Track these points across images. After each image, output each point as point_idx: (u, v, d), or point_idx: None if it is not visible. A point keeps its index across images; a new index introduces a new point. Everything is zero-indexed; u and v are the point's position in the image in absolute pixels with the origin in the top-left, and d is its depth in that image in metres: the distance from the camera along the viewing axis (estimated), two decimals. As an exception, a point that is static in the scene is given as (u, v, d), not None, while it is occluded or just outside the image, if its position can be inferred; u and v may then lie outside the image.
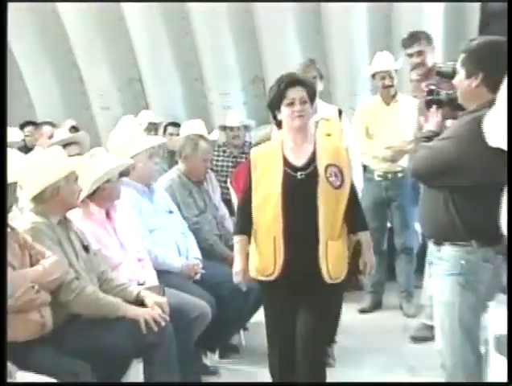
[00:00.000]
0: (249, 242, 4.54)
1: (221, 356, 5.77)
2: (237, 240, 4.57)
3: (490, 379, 4.12)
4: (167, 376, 4.49)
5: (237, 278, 4.53)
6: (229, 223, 6.35)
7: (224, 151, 8.46)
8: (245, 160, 6.90)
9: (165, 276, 5.30)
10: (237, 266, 4.52)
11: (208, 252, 5.94)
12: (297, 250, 4.32)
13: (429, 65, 6.39)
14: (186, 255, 5.73)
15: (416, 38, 6.57)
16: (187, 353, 4.86)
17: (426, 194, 4.26)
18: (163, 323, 4.45)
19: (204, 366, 5.59)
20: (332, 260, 4.34)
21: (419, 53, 6.48)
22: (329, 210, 4.36)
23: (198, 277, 5.57)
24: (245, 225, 4.52)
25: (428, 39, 6.58)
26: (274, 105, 4.46)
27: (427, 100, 4.38)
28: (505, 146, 3.25)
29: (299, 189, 4.38)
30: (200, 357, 5.54)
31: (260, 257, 4.43)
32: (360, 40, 9.13)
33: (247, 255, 4.53)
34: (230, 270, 4.66)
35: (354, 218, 4.53)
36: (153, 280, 5.08)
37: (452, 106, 4.31)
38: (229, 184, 7.81)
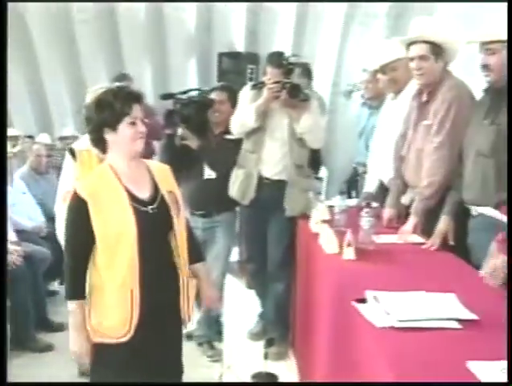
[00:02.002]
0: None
1: (60, 283, 5.78)
2: (72, 308, 2.57)
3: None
4: (23, 293, 4.61)
5: (77, 360, 2.86)
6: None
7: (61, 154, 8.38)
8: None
9: (21, 233, 5.26)
10: (76, 346, 2.58)
11: (51, 218, 5.89)
12: (156, 299, 2.58)
13: None
14: (35, 219, 5.70)
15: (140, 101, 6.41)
16: (37, 282, 4.93)
17: (204, 185, 4.41)
18: (18, 263, 4.56)
19: (48, 290, 5.63)
20: (191, 299, 2.72)
21: None
22: (182, 243, 2.67)
23: (43, 234, 5.59)
24: (79, 286, 2.56)
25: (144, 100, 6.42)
26: (107, 124, 2.56)
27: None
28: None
29: (154, 226, 2.58)
30: (46, 284, 5.55)
31: (110, 317, 2.55)
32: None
33: (85, 329, 2.57)
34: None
35: (190, 247, 2.74)
36: (13, 236, 5.07)
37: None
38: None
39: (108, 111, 2.57)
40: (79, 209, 2.52)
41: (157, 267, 2.58)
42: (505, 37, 2.88)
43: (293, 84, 4.01)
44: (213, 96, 4.46)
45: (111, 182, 2.58)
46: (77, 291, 2.57)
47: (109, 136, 2.60)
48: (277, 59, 4.11)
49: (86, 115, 2.67)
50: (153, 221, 2.57)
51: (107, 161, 2.66)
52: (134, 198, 2.57)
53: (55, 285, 5.83)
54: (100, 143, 2.65)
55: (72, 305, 2.57)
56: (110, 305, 2.54)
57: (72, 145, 3.73)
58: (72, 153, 3.55)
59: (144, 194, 2.61)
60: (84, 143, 3.30)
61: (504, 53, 2.91)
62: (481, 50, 3.06)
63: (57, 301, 5.43)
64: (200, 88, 4.80)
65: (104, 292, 2.54)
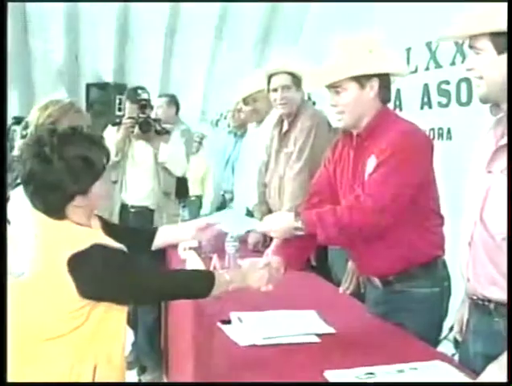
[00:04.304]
0: None
1: None
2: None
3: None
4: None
5: None
6: None
7: None
8: None
9: None
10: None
11: None
12: None
13: None
14: None
15: None
16: None
17: None
18: None
19: None
20: None
21: None
22: None
23: None
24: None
25: None
26: (81, 190, 1.97)
27: None
28: None
29: None
30: None
31: None
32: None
33: None
34: None
35: None
36: None
37: None
38: None
39: (86, 173, 1.98)
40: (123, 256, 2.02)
41: None
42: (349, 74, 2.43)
43: (144, 120, 4.22)
44: None
45: None
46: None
47: (77, 202, 2.00)
48: (132, 94, 4.35)
49: (47, 179, 1.93)
50: None
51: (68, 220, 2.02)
52: None
53: None
54: (60, 211, 2.01)
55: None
56: None
57: None
58: None
59: None
60: None
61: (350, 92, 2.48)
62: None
63: None
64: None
65: None
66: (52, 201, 1.97)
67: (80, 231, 2.03)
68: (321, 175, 2.79)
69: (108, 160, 2.06)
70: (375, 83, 2.45)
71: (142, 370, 4.25)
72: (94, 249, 1.93)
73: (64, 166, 1.92)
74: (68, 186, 1.94)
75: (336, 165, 2.66)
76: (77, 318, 1.96)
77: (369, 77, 2.44)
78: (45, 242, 2.00)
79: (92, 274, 1.93)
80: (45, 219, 2.02)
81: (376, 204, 2.31)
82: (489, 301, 1.99)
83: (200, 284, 2.19)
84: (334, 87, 2.46)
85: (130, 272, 2.03)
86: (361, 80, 2.43)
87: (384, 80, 2.48)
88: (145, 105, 4.25)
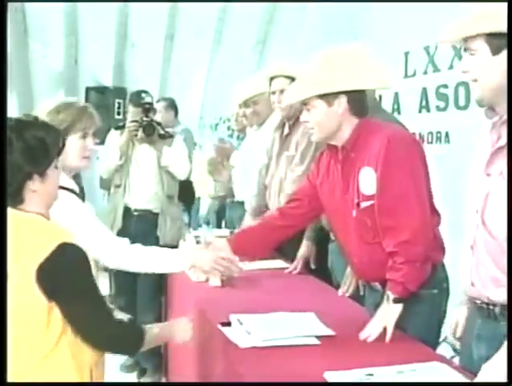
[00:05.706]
0: None
1: None
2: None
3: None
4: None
5: None
6: None
7: None
8: None
9: None
10: None
11: None
12: None
13: None
14: None
15: None
16: None
17: None
18: None
19: None
20: None
21: None
22: None
23: None
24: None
25: None
26: (38, 170, 1.95)
27: None
28: None
29: None
30: None
31: None
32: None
33: None
34: None
35: None
36: None
37: None
38: None
39: (42, 154, 1.98)
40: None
41: None
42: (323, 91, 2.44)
43: (148, 123, 4.24)
44: None
45: None
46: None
47: (34, 185, 1.97)
48: (136, 98, 4.38)
49: (7, 160, 1.92)
50: None
51: (28, 211, 1.97)
52: None
53: None
54: (17, 193, 1.96)
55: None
56: None
57: None
58: None
59: None
60: None
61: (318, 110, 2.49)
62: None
63: None
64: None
65: None
66: (10, 181, 1.92)
67: (42, 225, 1.98)
68: (304, 187, 2.83)
69: (63, 146, 2.05)
70: (343, 99, 2.44)
71: (142, 372, 4.26)
72: (62, 250, 1.89)
73: (22, 145, 1.93)
74: (25, 165, 1.93)
75: (324, 179, 2.66)
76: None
77: (336, 94, 2.43)
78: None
79: (62, 278, 1.90)
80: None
81: (411, 229, 2.31)
82: (494, 305, 1.99)
83: (130, 342, 2.14)
84: (304, 104, 2.50)
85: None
86: (328, 97, 2.43)
87: (354, 95, 2.46)
88: (148, 109, 4.28)
